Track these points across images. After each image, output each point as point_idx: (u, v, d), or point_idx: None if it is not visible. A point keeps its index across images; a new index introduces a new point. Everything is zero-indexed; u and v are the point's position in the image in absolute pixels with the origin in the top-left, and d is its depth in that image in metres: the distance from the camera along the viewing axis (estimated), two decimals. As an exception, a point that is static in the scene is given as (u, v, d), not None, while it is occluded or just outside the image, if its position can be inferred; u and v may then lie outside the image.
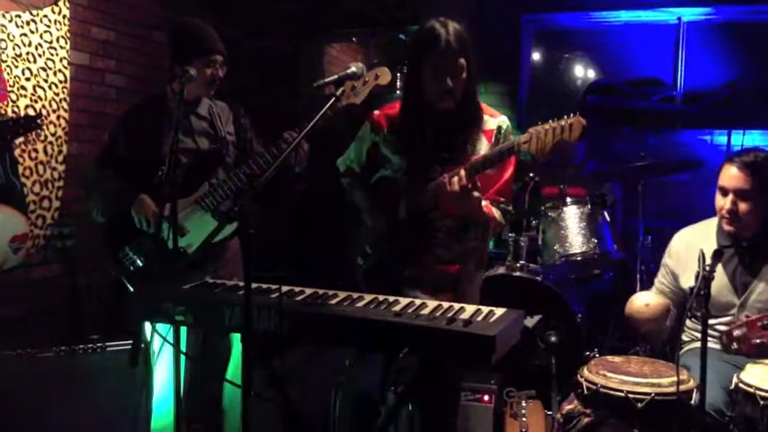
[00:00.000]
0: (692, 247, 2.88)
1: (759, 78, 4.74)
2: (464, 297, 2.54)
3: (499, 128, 2.58)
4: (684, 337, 2.95)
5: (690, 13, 5.01)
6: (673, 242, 3.04)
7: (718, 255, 2.27)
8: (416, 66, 2.49)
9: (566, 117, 2.26)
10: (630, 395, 2.52)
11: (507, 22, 5.25)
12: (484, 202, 2.53)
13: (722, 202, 2.80)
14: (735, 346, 2.54)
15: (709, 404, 2.47)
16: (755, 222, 2.79)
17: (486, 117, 2.59)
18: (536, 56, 5.52)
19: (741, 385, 2.50)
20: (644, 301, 2.87)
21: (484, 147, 2.55)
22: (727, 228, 2.82)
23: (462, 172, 2.38)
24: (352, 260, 2.71)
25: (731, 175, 2.76)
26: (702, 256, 2.28)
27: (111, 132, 3.04)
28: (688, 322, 2.91)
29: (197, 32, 2.92)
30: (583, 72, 5.56)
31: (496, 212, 2.58)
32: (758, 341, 2.57)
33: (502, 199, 2.60)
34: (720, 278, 2.77)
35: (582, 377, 2.69)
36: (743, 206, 2.74)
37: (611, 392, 2.56)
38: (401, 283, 2.56)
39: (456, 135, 2.54)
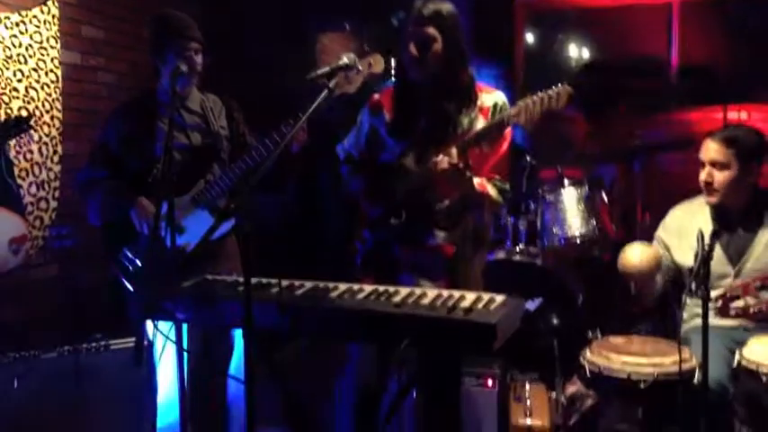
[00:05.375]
0: (685, 222, 2.93)
1: (752, 54, 4.72)
2: (463, 278, 2.54)
3: (495, 104, 2.56)
4: (684, 315, 2.96)
5: (682, -9, 4.99)
6: (668, 216, 3.08)
7: (716, 235, 2.28)
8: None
9: (553, 87, 2.33)
10: (633, 376, 2.53)
11: (501, 5, 5.22)
12: (477, 180, 2.52)
13: (701, 175, 2.87)
14: (732, 312, 2.59)
15: (714, 380, 2.49)
16: (737, 192, 2.82)
17: (483, 95, 2.57)
18: (530, 37, 5.50)
19: (744, 362, 2.51)
20: (636, 255, 2.86)
21: (481, 125, 2.53)
22: (707, 199, 2.88)
23: (453, 150, 2.37)
24: (351, 246, 2.71)
25: (707, 148, 2.85)
26: (701, 235, 2.29)
27: (101, 131, 3.02)
28: (688, 300, 2.92)
29: (168, 22, 2.86)
30: (577, 52, 5.54)
31: (491, 190, 2.56)
32: (756, 309, 2.61)
33: (497, 176, 2.58)
34: (715, 250, 2.79)
35: (584, 359, 2.71)
36: (718, 176, 2.82)
37: (614, 374, 2.58)
38: (399, 266, 2.57)
39: (446, 113, 2.53)
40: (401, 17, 2.58)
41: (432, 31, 2.46)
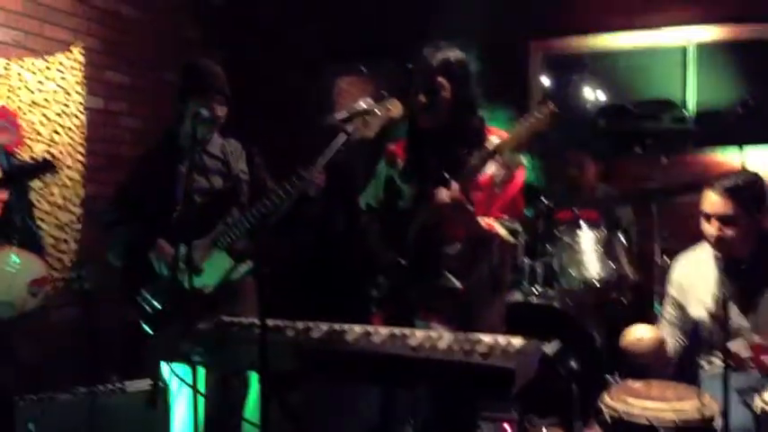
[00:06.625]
0: (692, 275, 2.88)
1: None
2: (481, 323, 2.50)
3: None
4: (704, 363, 2.91)
5: (698, 34, 5.01)
6: (673, 271, 3.00)
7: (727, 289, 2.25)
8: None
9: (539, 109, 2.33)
10: (654, 422, 2.49)
11: (516, 48, 5.27)
12: (485, 220, 2.50)
13: (708, 229, 2.75)
14: (749, 365, 2.54)
15: (737, 427, 2.44)
16: (747, 243, 2.74)
17: (493, 139, 2.56)
18: (545, 80, 5.53)
19: (765, 407, 2.46)
20: (637, 335, 2.81)
21: (491, 168, 2.53)
22: (716, 253, 2.78)
23: (454, 184, 2.37)
24: (367, 292, 2.71)
25: (712, 202, 2.72)
26: (723, 295, 2.26)
27: (127, 175, 3.09)
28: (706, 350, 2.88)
29: (194, 72, 2.96)
30: (593, 95, 5.56)
31: (500, 229, 2.53)
32: None
33: (505, 216, 2.56)
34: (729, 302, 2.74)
35: (603, 404, 2.67)
36: (729, 231, 2.69)
37: (634, 419, 2.53)
38: (414, 311, 2.56)
39: (455, 157, 2.52)
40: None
41: (440, 79, 2.49)
